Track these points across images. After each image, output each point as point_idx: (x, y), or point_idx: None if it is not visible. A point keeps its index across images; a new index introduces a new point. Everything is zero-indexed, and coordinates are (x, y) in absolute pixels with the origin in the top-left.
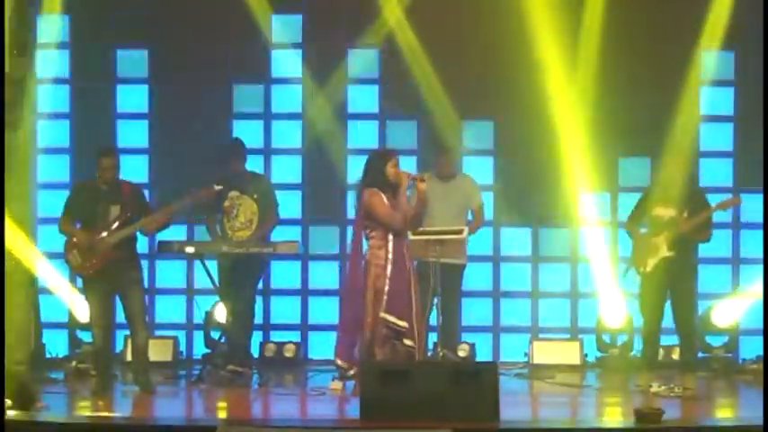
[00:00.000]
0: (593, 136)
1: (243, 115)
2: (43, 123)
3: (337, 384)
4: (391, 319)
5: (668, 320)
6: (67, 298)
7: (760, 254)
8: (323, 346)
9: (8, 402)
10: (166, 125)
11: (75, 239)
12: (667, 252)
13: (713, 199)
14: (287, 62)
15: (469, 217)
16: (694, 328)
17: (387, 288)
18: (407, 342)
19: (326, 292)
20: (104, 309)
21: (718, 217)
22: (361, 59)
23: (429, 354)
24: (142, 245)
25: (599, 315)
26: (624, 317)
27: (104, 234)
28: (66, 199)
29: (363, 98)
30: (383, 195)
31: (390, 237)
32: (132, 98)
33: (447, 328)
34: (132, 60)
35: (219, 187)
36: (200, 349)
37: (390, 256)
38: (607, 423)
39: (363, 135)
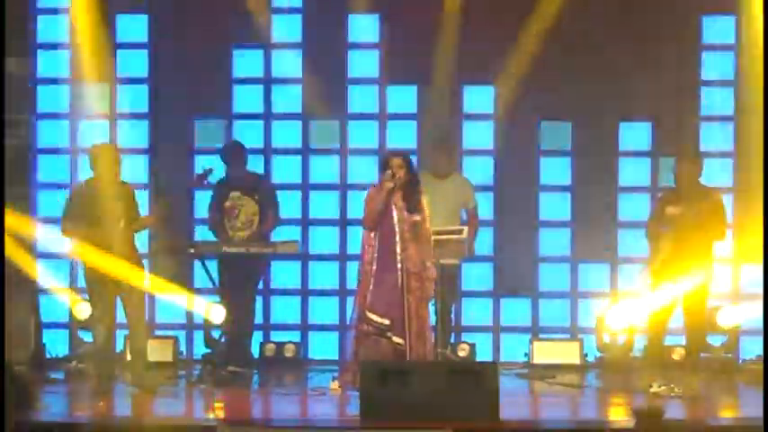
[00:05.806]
0: None
1: (243, 116)
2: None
3: (337, 384)
4: (372, 316)
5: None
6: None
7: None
8: (323, 346)
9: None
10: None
11: (79, 239)
12: (678, 251)
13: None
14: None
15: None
16: (704, 330)
17: (371, 286)
18: (396, 339)
19: (326, 292)
20: (106, 308)
21: None
22: (362, 58)
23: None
24: (143, 245)
25: (599, 315)
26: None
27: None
28: (66, 201)
29: (364, 99)
30: (377, 193)
31: (377, 234)
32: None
33: (439, 327)
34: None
35: (210, 167)
36: (200, 349)
37: (376, 253)
38: (607, 423)
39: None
